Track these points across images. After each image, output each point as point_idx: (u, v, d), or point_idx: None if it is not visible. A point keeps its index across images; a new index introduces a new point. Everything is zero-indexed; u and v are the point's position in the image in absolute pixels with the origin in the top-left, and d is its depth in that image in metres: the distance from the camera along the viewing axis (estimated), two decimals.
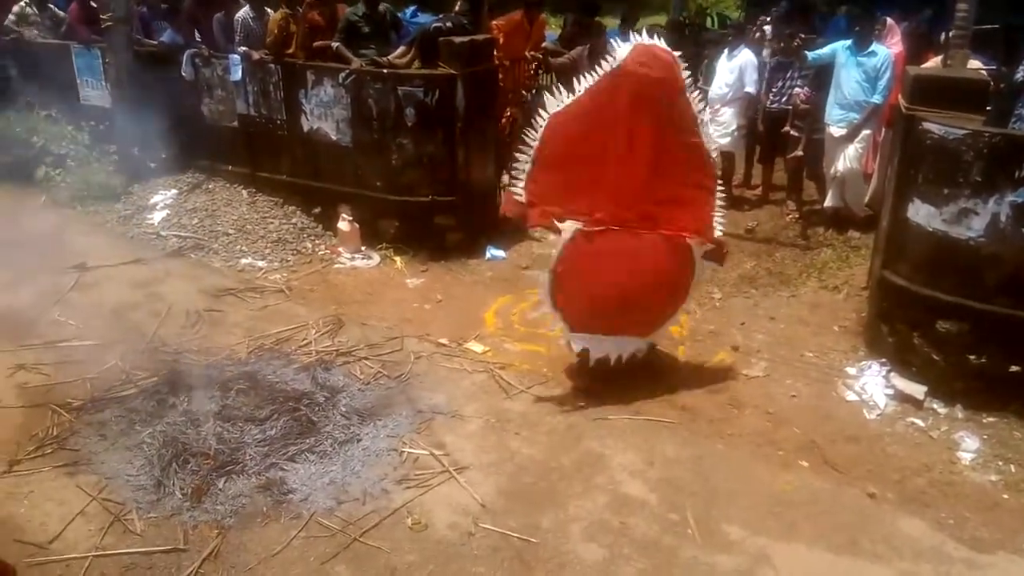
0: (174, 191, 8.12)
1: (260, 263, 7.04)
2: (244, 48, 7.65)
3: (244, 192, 7.97)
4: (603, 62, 4.69)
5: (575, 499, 4.17)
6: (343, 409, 4.86)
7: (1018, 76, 6.31)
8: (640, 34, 4.75)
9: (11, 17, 9.17)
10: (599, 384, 5.19)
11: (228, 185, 8.07)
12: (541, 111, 4.81)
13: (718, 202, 5.00)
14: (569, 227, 4.81)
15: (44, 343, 5.53)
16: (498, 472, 4.37)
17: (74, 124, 8.88)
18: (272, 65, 7.48)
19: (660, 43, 4.70)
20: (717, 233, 5.03)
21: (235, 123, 7.93)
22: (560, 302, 4.94)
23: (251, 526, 3.95)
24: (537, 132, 4.78)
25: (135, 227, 7.65)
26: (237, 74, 7.70)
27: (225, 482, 4.20)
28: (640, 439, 4.63)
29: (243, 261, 7.06)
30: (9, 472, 4.30)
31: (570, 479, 4.32)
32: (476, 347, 5.63)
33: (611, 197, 4.81)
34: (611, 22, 9.74)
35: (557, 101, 4.77)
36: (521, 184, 4.84)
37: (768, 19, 8.42)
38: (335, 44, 7.18)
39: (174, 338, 5.66)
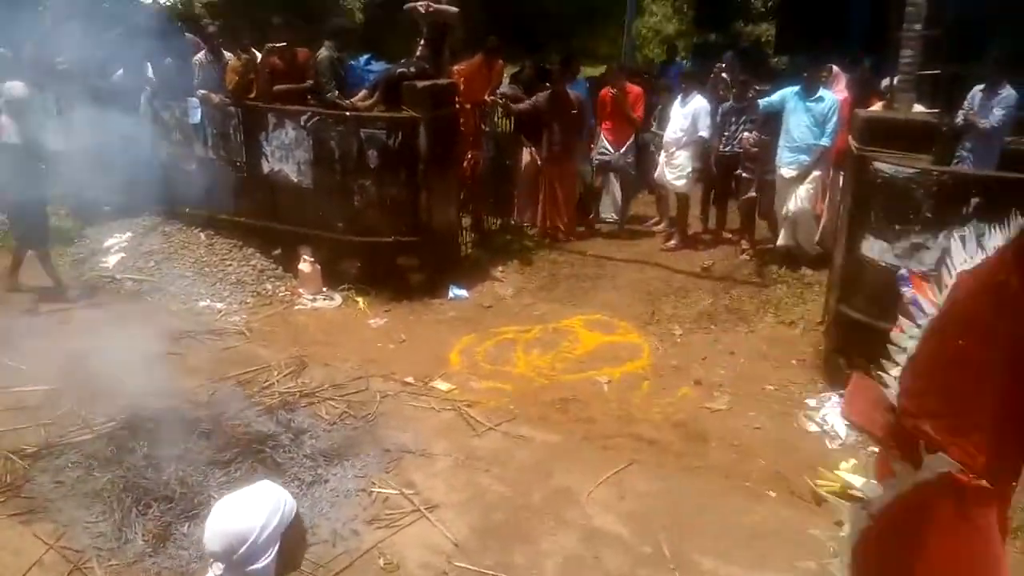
0: (128, 234, 7.99)
1: (219, 305, 6.94)
2: (203, 91, 7.63)
3: (201, 235, 7.88)
4: None
5: (547, 535, 4.15)
6: (308, 450, 4.77)
7: (958, 120, 6.67)
8: None
9: None
10: (565, 420, 5.22)
11: (185, 228, 7.98)
12: (948, 261, 2.32)
13: None
14: (938, 463, 2.43)
15: None
16: (469, 510, 4.34)
17: None
18: (232, 108, 7.47)
19: None
20: None
21: (193, 165, 7.87)
22: None
23: None
24: (940, 292, 2.40)
25: (89, 271, 7.50)
26: (196, 117, 7.67)
27: (189, 527, 4.09)
28: (609, 473, 4.64)
29: (201, 304, 6.96)
30: None
31: (542, 515, 4.30)
32: (442, 385, 5.62)
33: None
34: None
35: (968, 254, 2.36)
36: (895, 373, 2.38)
37: (723, 66, 8.72)
38: (332, 95, 7.21)
39: (132, 382, 5.51)
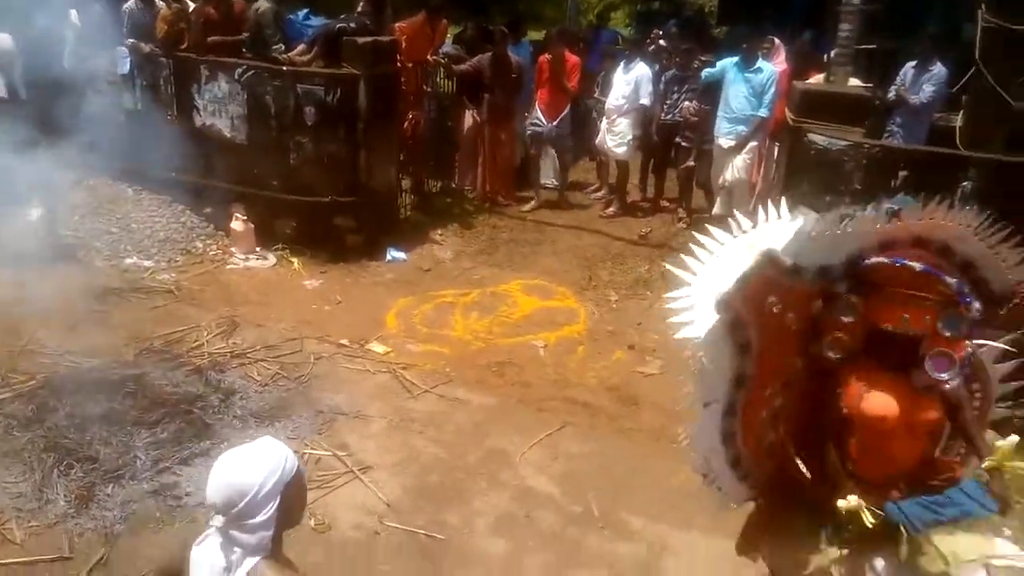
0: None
1: (146, 263, 6.74)
2: (132, 40, 7.33)
3: (129, 190, 7.61)
4: None
5: (480, 495, 4.18)
6: (238, 411, 4.71)
7: (890, 95, 6.82)
8: None
9: None
10: (502, 383, 5.25)
11: (111, 182, 7.69)
12: None
13: None
14: None
15: None
16: (403, 471, 4.33)
17: None
18: (163, 59, 7.19)
19: None
20: None
21: (120, 118, 7.56)
22: None
23: (142, 532, 3.77)
24: None
25: (8, 226, 7.16)
26: (125, 67, 7.37)
27: (113, 487, 4.00)
28: (543, 435, 4.69)
29: (127, 261, 6.75)
30: None
31: (475, 476, 4.33)
32: (378, 348, 5.57)
33: None
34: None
35: None
36: None
37: (661, 33, 8.73)
38: (281, 51, 6.96)
39: (54, 340, 5.33)
